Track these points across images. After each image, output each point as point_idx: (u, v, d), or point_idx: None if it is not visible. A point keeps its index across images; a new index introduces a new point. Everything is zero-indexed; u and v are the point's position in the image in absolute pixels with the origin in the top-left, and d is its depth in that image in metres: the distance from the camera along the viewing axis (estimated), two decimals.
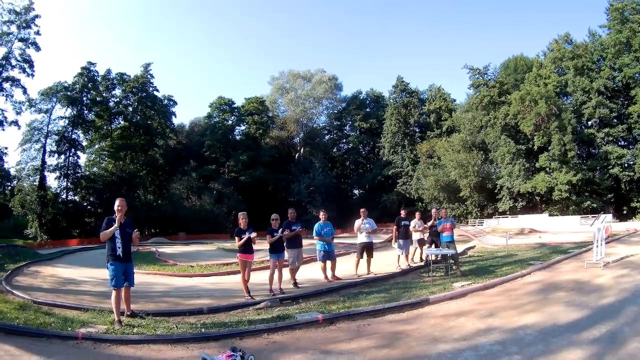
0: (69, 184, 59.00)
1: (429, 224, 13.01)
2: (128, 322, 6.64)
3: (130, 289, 7.10)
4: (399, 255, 12.96)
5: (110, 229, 6.67)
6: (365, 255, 11.90)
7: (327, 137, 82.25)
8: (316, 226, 11.20)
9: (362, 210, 12.31)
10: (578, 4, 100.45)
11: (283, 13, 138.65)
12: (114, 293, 6.64)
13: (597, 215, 36.18)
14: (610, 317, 6.33)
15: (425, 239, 13.45)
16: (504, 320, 6.63)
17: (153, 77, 67.21)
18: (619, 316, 6.40)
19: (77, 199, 60.75)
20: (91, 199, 60.54)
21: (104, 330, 6.02)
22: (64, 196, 59.13)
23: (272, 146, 74.05)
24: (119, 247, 6.74)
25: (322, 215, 11.43)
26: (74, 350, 5.30)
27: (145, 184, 65.86)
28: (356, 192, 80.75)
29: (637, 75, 42.19)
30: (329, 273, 11.28)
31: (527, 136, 46.93)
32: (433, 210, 13.31)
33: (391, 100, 70.76)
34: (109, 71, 64.36)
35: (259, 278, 10.87)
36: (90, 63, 61.06)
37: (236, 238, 9.22)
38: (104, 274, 8.26)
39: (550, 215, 42.35)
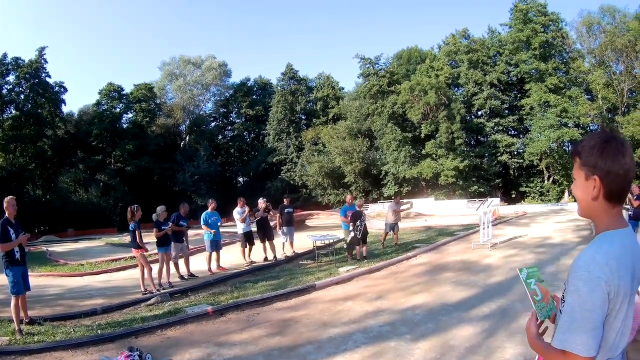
0: None
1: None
2: (28, 330, 6.62)
3: (25, 294, 6.94)
4: (284, 243, 13.10)
5: (14, 242, 6.44)
6: (247, 244, 12.11)
7: (212, 124, 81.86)
8: (204, 215, 11.55)
9: (241, 198, 12.43)
10: (479, 3, 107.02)
11: None
12: (13, 300, 6.51)
13: (484, 199, 39.31)
14: (501, 295, 6.70)
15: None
16: (392, 302, 6.81)
17: (47, 62, 62.13)
18: (509, 293, 6.83)
19: None
20: None
21: (6, 342, 6.09)
22: None
23: (158, 134, 72.68)
24: (17, 251, 6.57)
25: (210, 204, 11.89)
26: None
27: (34, 178, 61.71)
28: (241, 179, 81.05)
29: (533, 71, 47.30)
30: (214, 264, 11.41)
31: (415, 124, 49.79)
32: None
33: (279, 88, 72.08)
34: (4, 55, 58.42)
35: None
36: None
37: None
38: None
39: (436, 199, 45.53)
